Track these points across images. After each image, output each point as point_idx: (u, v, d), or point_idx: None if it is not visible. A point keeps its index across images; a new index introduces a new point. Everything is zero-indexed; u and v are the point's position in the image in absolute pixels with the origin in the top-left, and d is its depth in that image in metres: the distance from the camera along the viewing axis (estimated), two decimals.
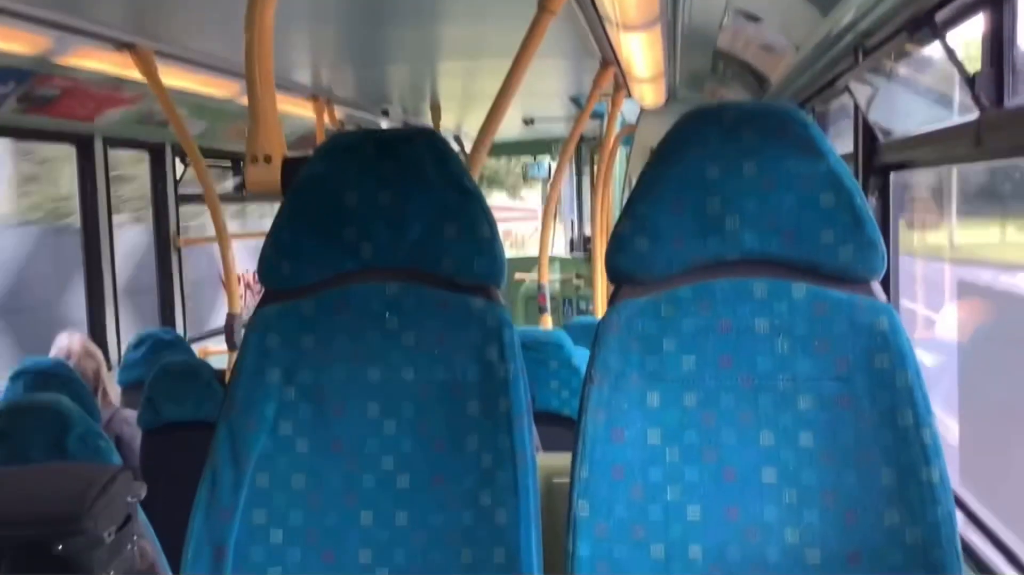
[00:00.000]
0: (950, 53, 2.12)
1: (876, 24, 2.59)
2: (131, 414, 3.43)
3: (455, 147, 7.35)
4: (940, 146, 2.31)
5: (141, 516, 1.89)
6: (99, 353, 3.67)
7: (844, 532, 1.61)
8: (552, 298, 6.35)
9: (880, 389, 1.62)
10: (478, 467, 1.71)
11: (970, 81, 2.00)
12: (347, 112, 6.12)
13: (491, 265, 1.78)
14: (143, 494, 1.71)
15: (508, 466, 1.69)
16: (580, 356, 3.26)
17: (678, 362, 1.68)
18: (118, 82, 4.02)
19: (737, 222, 1.67)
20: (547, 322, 5.13)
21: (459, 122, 7.90)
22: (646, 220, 1.69)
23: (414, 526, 1.72)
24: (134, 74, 3.77)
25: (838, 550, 1.61)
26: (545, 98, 6.36)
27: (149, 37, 3.63)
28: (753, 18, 3.61)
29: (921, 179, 3.89)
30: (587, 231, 8.50)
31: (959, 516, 1.92)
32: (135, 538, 1.67)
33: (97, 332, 4.52)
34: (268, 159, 1.93)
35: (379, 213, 1.78)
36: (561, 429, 3.02)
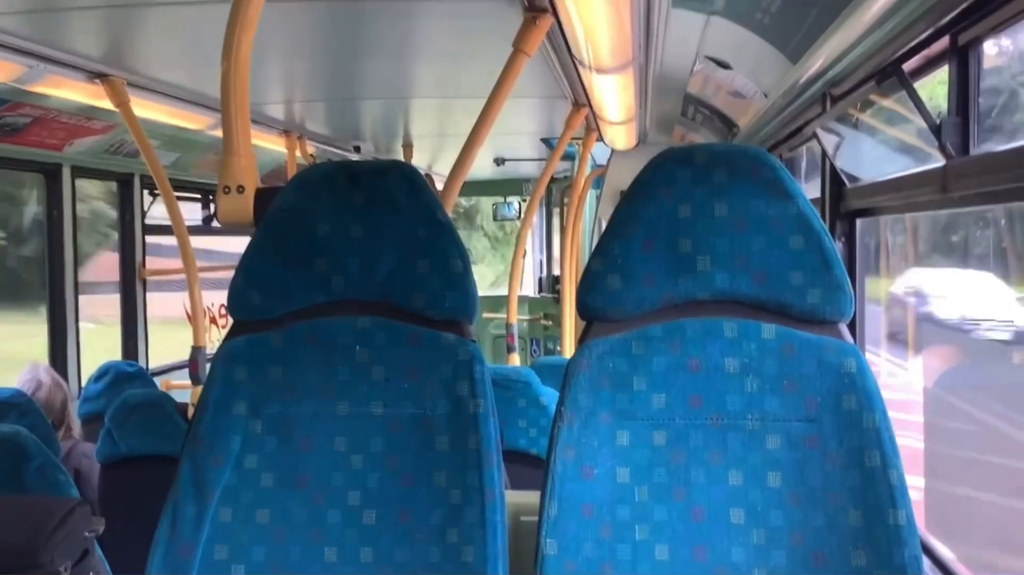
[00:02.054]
0: (917, 102, 2.17)
1: (844, 73, 2.64)
2: (90, 447, 3.37)
3: None
4: (905, 192, 2.35)
5: (98, 551, 1.86)
6: (65, 385, 3.61)
7: (811, 573, 1.61)
8: (520, 338, 6.35)
9: (848, 430, 1.63)
10: (446, 503, 1.69)
11: (936, 129, 2.04)
12: (319, 147, 6.12)
13: (463, 300, 1.78)
14: (101, 528, 1.67)
15: (476, 503, 1.68)
16: (548, 395, 3.26)
17: (648, 400, 1.68)
18: (89, 111, 4.00)
19: (708, 262, 1.69)
20: (515, 361, 5.12)
21: (431, 160, 7.92)
22: (618, 259, 1.70)
23: (379, 563, 1.69)
24: (106, 104, 3.75)
25: None
26: (517, 138, 6.41)
27: (122, 68, 3.62)
28: (723, 65, 3.67)
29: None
30: (556, 271, 8.53)
31: (925, 560, 1.93)
32: (91, 573, 1.63)
33: (59, 363, 4.45)
34: (241, 189, 1.92)
35: (351, 245, 1.78)
36: (529, 467, 3.01)
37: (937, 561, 2.30)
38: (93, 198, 5.45)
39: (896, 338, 4.37)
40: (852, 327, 1.77)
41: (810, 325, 1.68)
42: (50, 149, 4.22)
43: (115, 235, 5.21)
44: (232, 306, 1.81)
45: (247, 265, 1.80)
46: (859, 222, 2.96)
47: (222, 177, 1.92)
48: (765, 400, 1.66)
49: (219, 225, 5.30)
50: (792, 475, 1.64)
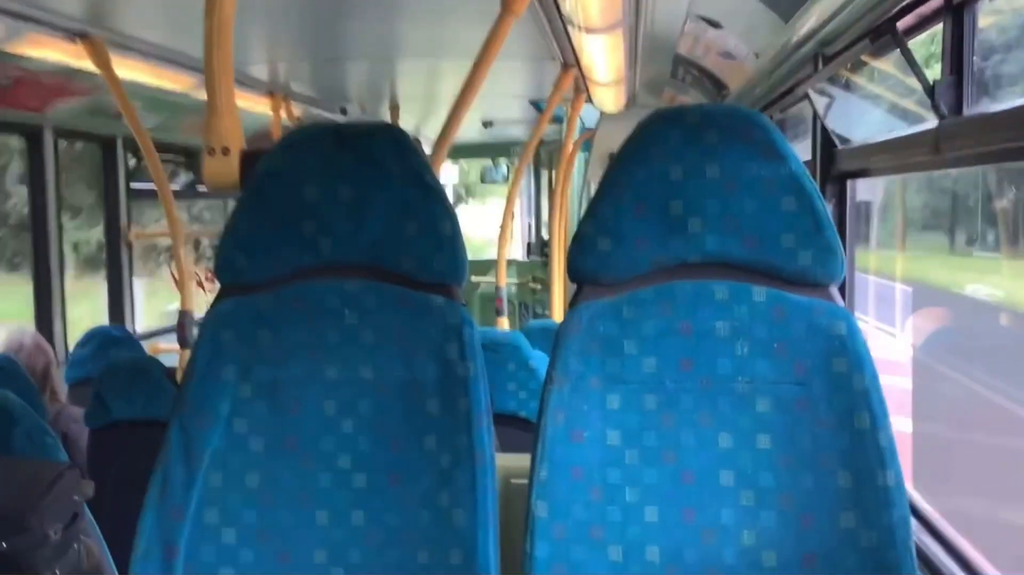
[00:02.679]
0: (911, 61, 2.15)
1: (837, 32, 2.62)
2: (78, 411, 3.36)
3: None
4: (898, 154, 2.34)
5: (87, 515, 1.85)
6: (50, 349, 3.59)
7: (800, 535, 1.62)
8: (509, 301, 6.34)
9: (837, 392, 1.63)
10: (436, 467, 1.69)
11: (930, 89, 2.02)
12: (305, 109, 6.06)
13: (452, 263, 1.76)
14: (90, 492, 1.66)
15: (467, 466, 1.68)
16: (537, 359, 3.26)
17: (638, 364, 1.67)
18: (70, 72, 3.94)
19: (699, 224, 1.67)
20: (504, 325, 5.12)
21: (418, 123, 7.86)
22: (609, 221, 1.69)
23: (370, 526, 1.69)
24: (87, 64, 3.69)
25: (794, 552, 1.61)
26: (505, 101, 6.36)
27: (104, 27, 3.56)
28: (714, 24, 3.63)
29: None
30: (545, 235, 8.51)
31: (913, 520, 1.94)
32: (81, 537, 1.63)
33: (44, 327, 4.42)
34: (226, 151, 1.89)
35: (339, 208, 1.76)
36: (518, 431, 3.01)
37: (925, 521, 2.32)
38: None
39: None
40: (843, 290, 1.76)
41: (801, 288, 1.67)
42: (32, 111, 4.16)
43: None
44: (219, 269, 1.79)
45: (234, 228, 1.77)
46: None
47: (206, 139, 1.90)
48: (755, 363, 1.66)
49: (204, 188, 5.25)
50: (782, 437, 1.64)
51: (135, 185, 5.27)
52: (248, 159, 1.89)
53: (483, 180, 9.68)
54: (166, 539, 1.68)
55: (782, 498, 1.63)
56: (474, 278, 7.99)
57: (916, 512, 2.31)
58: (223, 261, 1.78)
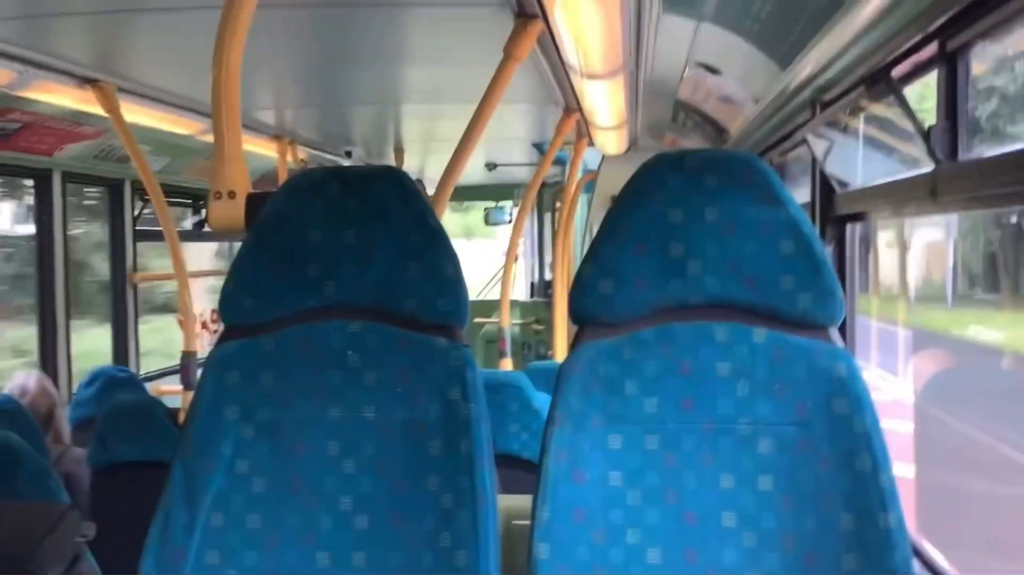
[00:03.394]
0: (905, 108, 2.18)
1: (834, 79, 2.65)
2: (81, 453, 3.35)
3: None
4: (895, 198, 2.36)
5: (89, 557, 1.85)
6: (55, 392, 3.59)
7: None
8: (512, 342, 6.34)
9: (838, 434, 1.63)
10: (438, 508, 1.69)
11: (925, 134, 2.05)
12: (310, 152, 6.12)
13: (454, 305, 1.78)
14: (92, 534, 1.67)
15: (469, 507, 1.68)
16: (540, 400, 3.26)
17: (640, 404, 1.68)
18: (79, 116, 3.99)
19: (699, 267, 1.69)
20: (507, 366, 5.12)
21: (422, 165, 7.92)
22: (609, 263, 1.71)
23: (372, 567, 1.69)
24: (96, 109, 3.75)
25: None
26: (508, 143, 6.41)
27: (113, 73, 3.61)
28: (713, 70, 3.68)
29: None
30: (548, 276, 8.53)
31: (916, 563, 1.93)
32: None
33: (48, 369, 4.44)
34: (232, 195, 1.92)
35: (343, 251, 1.78)
36: (521, 472, 3.00)
37: (927, 564, 2.31)
38: None
39: None
40: (843, 331, 1.78)
41: (801, 329, 1.68)
42: (40, 154, 4.20)
43: None
44: (224, 311, 1.81)
45: (238, 270, 1.80)
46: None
47: (213, 183, 1.92)
48: (756, 404, 1.67)
49: (210, 230, 5.28)
50: (784, 478, 1.64)
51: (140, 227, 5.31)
52: (253, 202, 1.91)
53: (487, 222, 9.72)
54: None
55: (784, 539, 1.63)
56: (477, 319, 8.00)
57: (919, 554, 2.30)
58: (227, 302, 1.80)
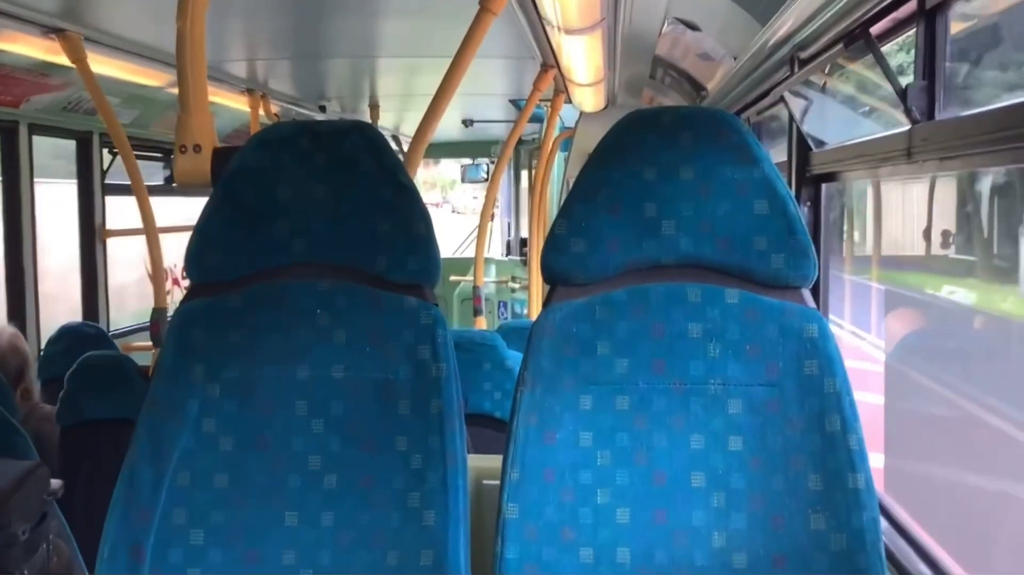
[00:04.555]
0: (884, 66, 2.16)
1: (812, 36, 2.63)
2: (50, 410, 3.32)
3: (393, 146, 7.30)
4: (871, 157, 2.35)
5: (58, 514, 1.83)
6: (27, 349, 3.54)
7: (770, 536, 1.62)
8: (487, 300, 6.34)
9: (809, 395, 1.64)
10: (407, 468, 1.68)
11: (902, 93, 2.03)
12: (284, 106, 6.03)
13: (426, 264, 1.76)
14: (60, 491, 1.65)
15: (438, 467, 1.67)
16: (514, 359, 3.26)
17: (611, 365, 1.67)
18: (46, 67, 3.90)
19: (673, 226, 1.68)
20: (482, 324, 5.12)
21: (398, 121, 7.84)
22: (583, 222, 1.69)
23: (340, 527, 1.68)
24: (63, 60, 3.66)
25: (764, 554, 1.62)
26: (485, 100, 6.35)
27: (79, 23, 3.52)
28: (692, 26, 3.64)
29: None
30: (524, 234, 8.51)
31: (883, 522, 1.95)
32: (50, 537, 1.61)
33: (17, 325, 4.37)
34: (198, 149, 1.88)
35: (312, 207, 1.75)
36: (493, 431, 3.01)
37: (895, 523, 2.33)
38: None
39: None
40: (816, 292, 1.77)
41: (773, 290, 1.68)
42: (6, 106, 4.11)
43: None
44: (189, 267, 1.78)
45: (204, 226, 1.76)
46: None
47: (178, 136, 1.88)
48: (727, 365, 1.66)
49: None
50: (753, 439, 1.65)
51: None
52: (220, 156, 1.88)
53: (463, 179, 9.67)
54: (133, 539, 1.66)
55: (753, 500, 1.63)
56: (452, 277, 7.98)
57: (886, 514, 2.33)
58: (193, 259, 1.77)
